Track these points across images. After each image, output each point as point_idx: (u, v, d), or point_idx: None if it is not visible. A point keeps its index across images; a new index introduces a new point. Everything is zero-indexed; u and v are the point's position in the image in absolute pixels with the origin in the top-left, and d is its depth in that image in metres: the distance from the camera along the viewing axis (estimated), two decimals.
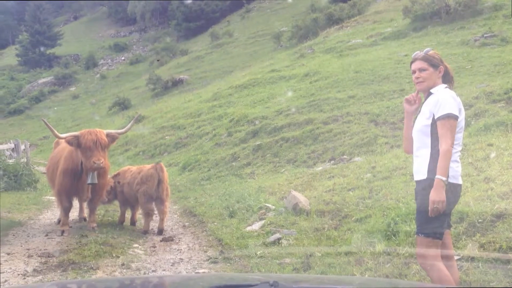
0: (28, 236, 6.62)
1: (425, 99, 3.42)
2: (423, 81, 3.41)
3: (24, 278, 4.72)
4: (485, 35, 15.92)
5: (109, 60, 55.06)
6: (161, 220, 6.85)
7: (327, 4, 34.28)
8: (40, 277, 4.77)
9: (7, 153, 13.09)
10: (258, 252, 5.24)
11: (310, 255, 4.80)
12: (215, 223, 7.04)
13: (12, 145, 13.67)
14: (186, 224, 7.55)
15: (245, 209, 7.37)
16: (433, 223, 3.19)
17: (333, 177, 8.18)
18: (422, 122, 3.32)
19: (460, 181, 3.29)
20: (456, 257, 4.30)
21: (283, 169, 10.79)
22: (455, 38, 17.12)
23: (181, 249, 5.93)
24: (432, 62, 3.41)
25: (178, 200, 9.76)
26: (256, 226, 6.42)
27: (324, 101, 13.84)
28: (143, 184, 6.79)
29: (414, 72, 3.46)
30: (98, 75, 49.94)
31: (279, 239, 5.62)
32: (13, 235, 6.67)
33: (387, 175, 7.22)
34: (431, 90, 3.40)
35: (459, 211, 5.07)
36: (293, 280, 2.25)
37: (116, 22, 66.07)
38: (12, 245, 6.04)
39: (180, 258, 5.50)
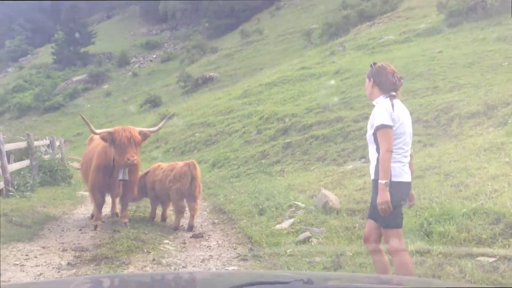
0: (63, 231, 6.78)
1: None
2: (366, 90, 3.96)
3: (59, 272, 4.84)
4: None
5: (141, 58, 55.82)
6: (192, 216, 6.91)
7: (359, 0, 33.80)
8: (74, 270, 4.87)
9: (43, 149, 13.43)
10: (288, 251, 5.22)
11: (340, 254, 4.75)
12: (245, 221, 7.04)
13: (48, 142, 14.02)
14: (216, 221, 7.59)
15: (275, 207, 7.35)
16: (390, 216, 3.60)
17: (363, 175, 8.08)
18: (368, 132, 3.77)
19: (404, 179, 3.65)
20: (492, 259, 4.19)
21: (313, 167, 10.72)
22: (491, 34, 16.63)
23: (210, 246, 5.97)
24: (368, 74, 3.91)
25: (208, 197, 9.81)
26: (286, 224, 6.40)
27: (355, 98, 13.68)
28: (176, 182, 6.84)
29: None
30: (130, 73, 50.69)
31: (309, 237, 5.58)
32: (48, 229, 6.84)
33: (420, 174, 7.07)
34: (373, 102, 3.83)
35: (495, 212, 4.93)
36: (324, 278, 2.23)
37: (148, 20, 66.90)
38: (47, 239, 6.20)
39: (209, 255, 5.53)
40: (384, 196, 3.54)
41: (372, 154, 3.77)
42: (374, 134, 3.68)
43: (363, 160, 9.84)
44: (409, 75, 14.16)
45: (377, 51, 20.03)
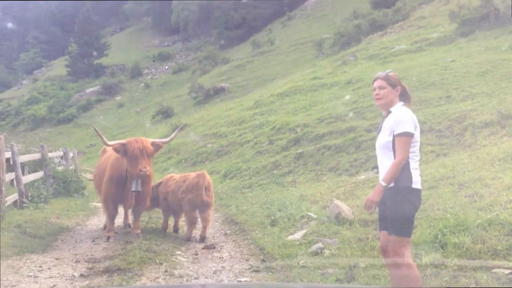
0: (76, 242, 6.81)
1: (386, 117, 3.82)
2: (381, 98, 3.82)
3: (72, 283, 4.85)
4: None
5: (153, 70, 56.29)
6: (204, 228, 6.90)
7: (370, 10, 33.77)
8: (87, 282, 4.88)
9: (57, 160, 13.56)
10: (301, 262, 5.18)
11: (354, 266, 4.70)
12: (257, 232, 7.02)
13: (61, 153, 14.16)
14: (228, 232, 7.57)
15: (287, 217, 7.32)
16: (405, 224, 3.63)
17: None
18: (385, 138, 3.73)
19: (419, 186, 3.69)
20: (508, 271, 4.12)
21: (325, 178, 10.68)
22: (504, 42, 16.51)
23: (223, 257, 5.95)
24: (391, 81, 3.81)
25: (220, 208, 9.81)
26: (298, 235, 6.36)
27: (367, 108, 13.63)
28: (188, 193, 6.85)
29: (374, 89, 3.86)
30: (142, 84, 51.11)
31: (321, 248, 5.54)
32: (62, 240, 6.88)
33: (433, 185, 7.01)
34: (390, 109, 3.79)
35: (511, 223, 4.86)
36: None
37: (160, 32, 67.57)
38: (61, 250, 6.23)
39: (222, 266, 5.51)
40: (377, 197, 3.65)
41: (387, 160, 3.71)
42: (393, 140, 3.67)
43: (375, 170, 9.77)
44: (422, 85, 14.09)
45: (389, 60, 19.97)
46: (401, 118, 3.67)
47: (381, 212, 3.74)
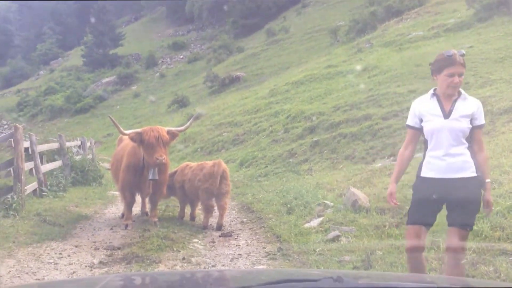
0: (94, 230, 6.90)
1: (457, 98, 3.49)
2: (459, 86, 3.50)
3: (91, 270, 4.93)
4: None
5: (168, 59, 56.43)
6: (221, 216, 6.93)
7: None
8: (106, 269, 4.95)
9: (74, 150, 13.72)
10: (317, 249, 5.18)
11: (370, 253, 4.69)
12: (273, 220, 7.04)
13: (79, 142, 14.32)
14: (244, 220, 7.61)
15: (303, 205, 7.32)
16: (474, 218, 3.47)
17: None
18: (465, 123, 3.42)
19: None
20: None
21: (341, 166, 10.64)
22: None
23: (239, 245, 5.98)
24: (465, 66, 3.51)
25: (236, 196, 9.85)
26: (315, 223, 6.36)
27: (383, 96, 13.51)
28: (205, 182, 6.88)
29: (452, 75, 3.44)
30: (157, 74, 51.30)
31: (338, 236, 5.54)
32: (80, 228, 6.98)
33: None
34: (464, 93, 3.53)
35: None
36: (355, 277, 2.20)
37: (174, 21, 67.59)
38: (80, 238, 6.32)
39: (238, 254, 5.54)
40: (490, 195, 3.48)
41: (462, 148, 3.42)
42: (473, 129, 3.44)
43: (392, 158, 9.70)
44: None
45: (405, 47, 19.73)
46: (482, 107, 3.50)
47: (431, 205, 3.47)
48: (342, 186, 8.19)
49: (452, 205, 3.42)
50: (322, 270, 3.74)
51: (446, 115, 3.45)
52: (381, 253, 4.74)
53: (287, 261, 5.08)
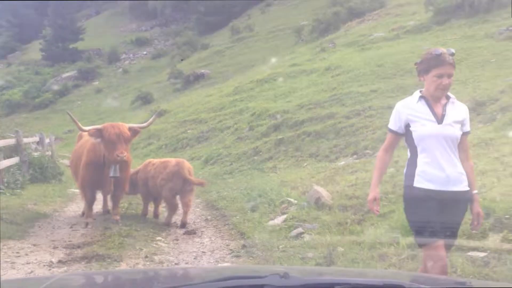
0: (54, 228, 6.74)
1: (447, 102, 3.27)
2: (449, 88, 3.26)
3: (50, 269, 4.81)
4: (509, 28, 15.53)
5: (131, 55, 55.46)
6: (185, 213, 6.89)
7: None
8: (65, 268, 4.85)
9: (33, 146, 13.32)
10: (280, 246, 5.23)
11: (333, 250, 4.77)
12: (237, 217, 7.05)
13: (37, 139, 13.90)
14: (209, 217, 7.59)
15: (267, 203, 7.36)
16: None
17: (355, 171, 8.12)
18: (458, 130, 3.23)
19: None
20: (482, 253, 4.23)
21: (305, 163, 10.75)
22: (479, 31, 16.75)
23: (203, 242, 5.97)
24: (455, 66, 3.28)
25: (201, 193, 9.80)
26: (278, 220, 6.41)
27: (346, 95, 13.73)
28: (168, 181, 6.83)
29: (441, 76, 3.20)
30: (120, 70, 50.36)
31: (301, 233, 5.60)
32: (39, 226, 6.80)
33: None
34: (450, 95, 3.32)
35: (485, 207, 4.96)
36: (303, 273, 2.24)
37: (137, 16, 66.36)
38: (38, 237, 6.16)
39: (202, 251, 5.53)
40: (479, 207, 3.32)
41: (454, 157, 3.22)
42: (462, 136, 3.26)
43: (355, 156, 9.88)
44: (399, 72, 14.26)
45: (367, 48, 20.11)
46: (467, 111, 3.32)
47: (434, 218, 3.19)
48: (306, 183, 8.28)
49: (446, 218, 3.22)
50: (269, 266, 3.75)
51: (439, 120, 3.20)
52: (343, 249, 4.82)
53: (251, 258, 5.10)
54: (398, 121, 3.33)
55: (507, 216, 4.54)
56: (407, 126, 3.28)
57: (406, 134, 3.32)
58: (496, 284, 3.00)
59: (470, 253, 4.27)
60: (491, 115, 9.14)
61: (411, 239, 4.64)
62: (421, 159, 3.22)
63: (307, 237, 5.49)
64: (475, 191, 3.30)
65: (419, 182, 3.20)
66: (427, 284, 1.84)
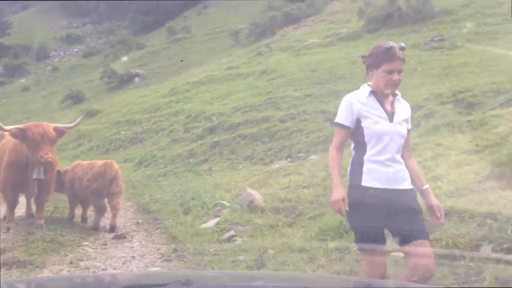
0: None
1: (394, 99, 3.21)
2: (399, 85, 3.17)
3: None
4: (434, 39, 16.42)
5: (61, 52, 53.23)
6: (114, 216, 6.70)
7: (284, 2, 34.40)
8: None
9: None
10: (212, 250, 5.21)
11: (263, 253, 4.80)
12: (170, 220, 6.94)
13: None
14: (140, 221, 7.42)
15: (200, 206, 7.31)
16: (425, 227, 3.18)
17: (289, 174, 8.23)
18: (405, 128, 3.17)
19: None
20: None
21: (240, 166, 10.78)
22: (407, 41, 17.50)
23: (133, 247, 5.82)
24: (404, 61, 3.17)
25: (132, 196, 9.56)
26: (211, 223, 6.38)
27: (281, 99, 13.92)
28: (94, 182, 6.61)
29: (391, 71, 3.10)
30: (49, 67, 48.22)
31: (233, 236, 5.61)
32: None
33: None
34: (399, 94, 3.26)
35: None
36: (247, 278, 2.23)
37: (68, 13, 63.80)
38: None
39: (132, 256, 5.40)
40: (434, 199, 3.22)
41: (399, 155, 3.16)
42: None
43: (289, 159, 10.03)
44: (332, 78, 14.67)
45: (302, 53, 20.51)
46: (408, 108, 3.28)
47: (378, 220, 3.05)
48: (240, 186, 8.30)
49: (400, 219, 3.06)
50: (172, 273, 3.67)
51: (390, 118, 3.12)
52: (274, 252, 4.87)
53: (181, 262, 5.04)
54: (350, 115, 3.14)
55: (427, 218, 4.76)
56: (358, 121, 3.13)
57: (354, 129, 3.16)
58: None
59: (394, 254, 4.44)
60: (416, 121, 9.59)
61: (339, 241, 4.78)
62: (370, 157, 3.09)
63: (239, 240, 5.51)
64: (426, 186, 3.22)
65: (367, 181, 3.07)
66: None
